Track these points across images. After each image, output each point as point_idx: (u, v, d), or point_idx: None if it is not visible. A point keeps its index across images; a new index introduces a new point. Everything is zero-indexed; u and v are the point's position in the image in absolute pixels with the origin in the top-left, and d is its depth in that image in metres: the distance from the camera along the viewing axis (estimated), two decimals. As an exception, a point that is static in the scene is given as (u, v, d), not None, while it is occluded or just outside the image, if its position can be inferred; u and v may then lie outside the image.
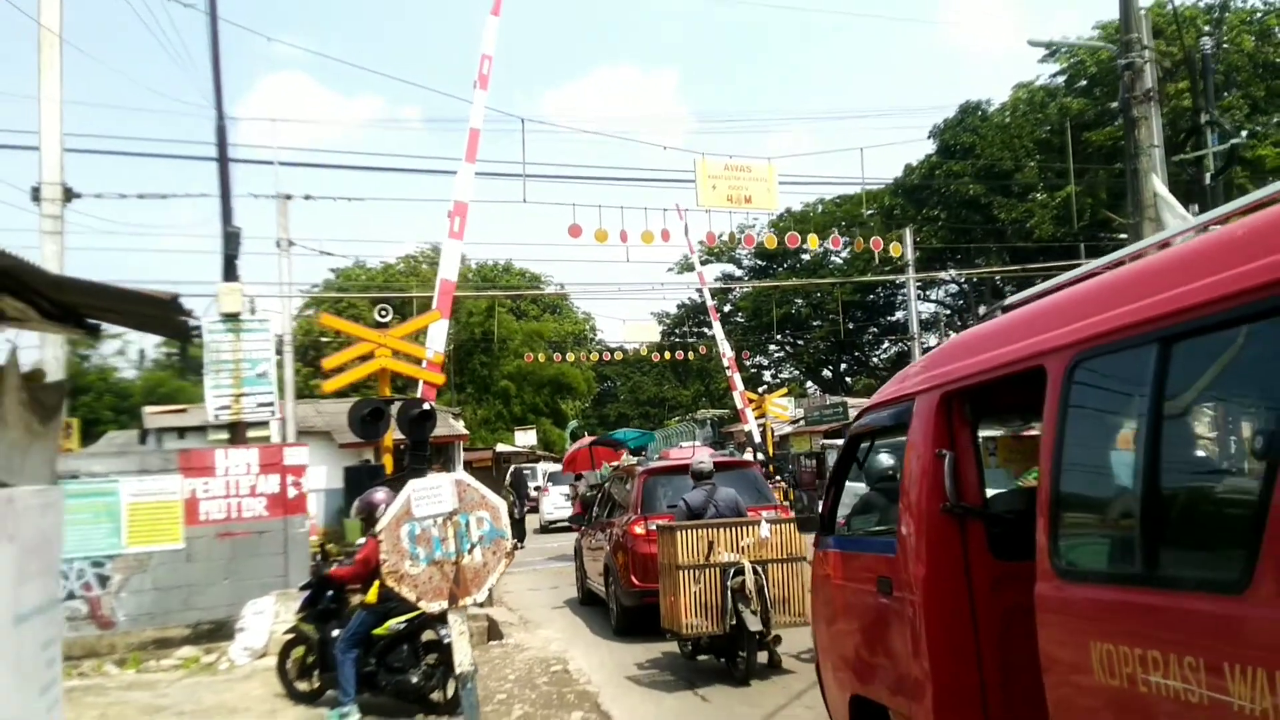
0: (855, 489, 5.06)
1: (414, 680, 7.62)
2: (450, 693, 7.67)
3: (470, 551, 6.55)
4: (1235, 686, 2.20)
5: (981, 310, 43.15)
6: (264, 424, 15.18)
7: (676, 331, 49.49)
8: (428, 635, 7.73)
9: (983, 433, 4.08)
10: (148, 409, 27.77)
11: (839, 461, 4.95)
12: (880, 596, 4.05)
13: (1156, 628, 2.50)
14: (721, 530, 8.52)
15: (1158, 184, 11.87)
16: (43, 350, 10.84)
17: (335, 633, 7.79)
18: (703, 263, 42.62)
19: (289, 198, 17.74)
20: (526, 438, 38.65)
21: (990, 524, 3.74)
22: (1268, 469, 2.22)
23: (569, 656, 9.73)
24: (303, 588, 8.55)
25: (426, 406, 12.80)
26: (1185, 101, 24.15)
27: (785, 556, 8.57)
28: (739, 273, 48.51)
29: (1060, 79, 34.57)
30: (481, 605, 12.72)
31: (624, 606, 10.83)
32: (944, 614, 3.65)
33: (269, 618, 9.99)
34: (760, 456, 21.24)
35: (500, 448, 37.67)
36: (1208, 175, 15.72)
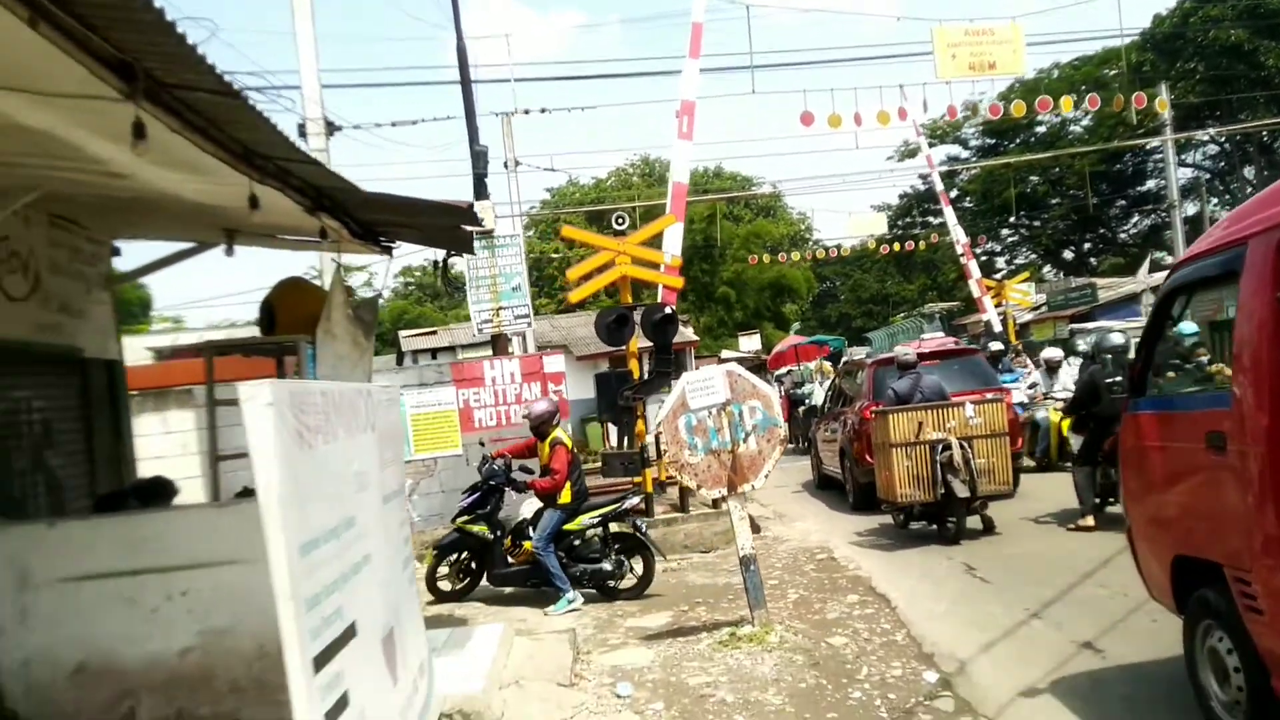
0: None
1: (607, 567, 8.30)
2: (635, 579, 8.43)
3: (745, 440, 6.67)
4: None
5: (1248, 173, 38.56)
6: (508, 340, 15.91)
7: (899, 223, 47.51)
8: (615, 527, 8.37)
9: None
10: (403, 333, 29.97)
11: (1152, 320, 4.64)
12: (1211, 453, 3.81)
13: None
14: (929, 412, 9.57)
15: None
16: (323, 279, 11.86)
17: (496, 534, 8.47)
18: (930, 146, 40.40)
19: (526, 112, 18.22)
20: (751, 342, 38.60)
21: None
22: None
23: (832, 545, 9.81)
24: (467, 491, 8.79)
25: (668, 310, 13.03)
26: None
27: (989, 433, 9.48)
28: (965, 154, 45.70)
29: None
30: (736, 500, 13.04)
31: (860, 484, 11.91)
32: None
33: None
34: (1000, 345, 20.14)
35: (725, 354, 37.91)
36: None
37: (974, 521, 9.60)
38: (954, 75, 15.88)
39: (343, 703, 2.97)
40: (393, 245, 6.78)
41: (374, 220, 5.93)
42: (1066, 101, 19.53)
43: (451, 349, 27.52)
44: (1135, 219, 44.33)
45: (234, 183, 4.19)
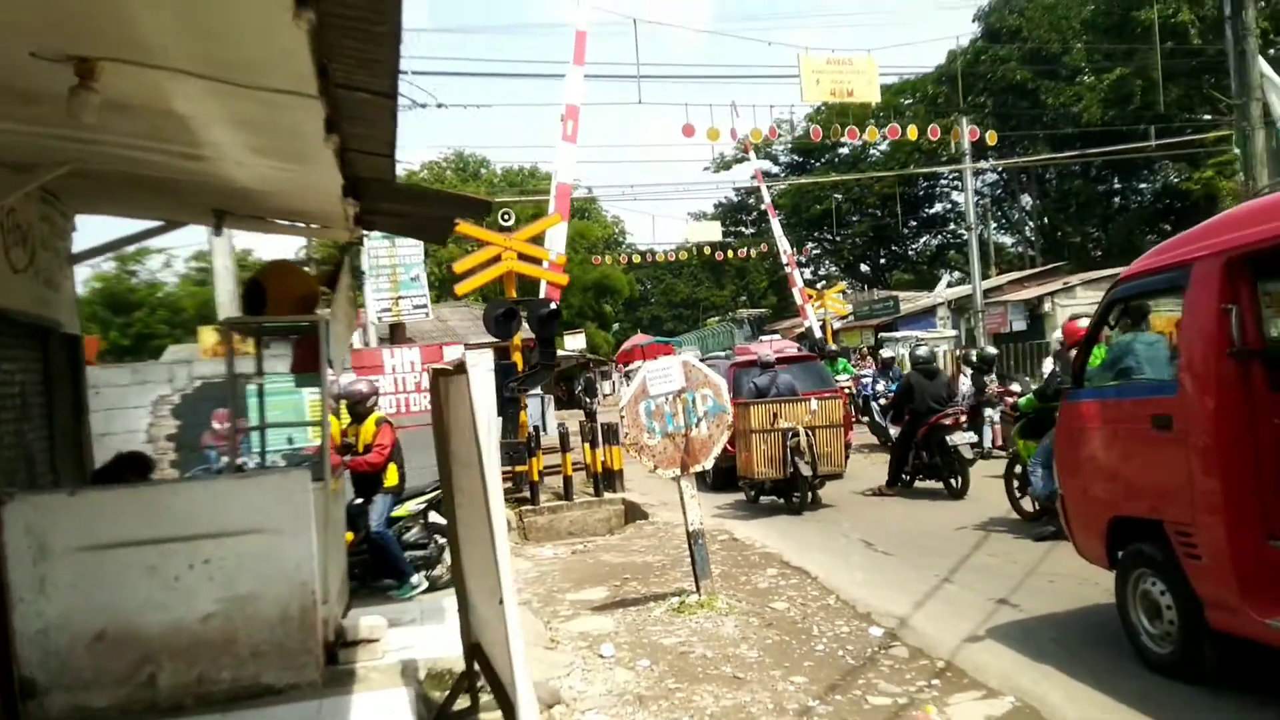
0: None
1: (431, 553, 8.30)
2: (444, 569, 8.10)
3: (697, 425, 7.33)
4: None
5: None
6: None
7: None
8: (433, 517, 8.35)
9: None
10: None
11: (1093, 325, 5.63)
12: (1156, 431, 4.71)
13: None
14: (783, 405, 11.37)
15: (1264, 65, 12.28)
16: (215, 260, 11.55)
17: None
18: (738, 161, 42.60)
19: (424, 106, 18.03)
20: (576, 341, 39.25)
21: (1271, 364, 4.41)
22: None
23: (729, 528, 10.61)
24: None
25: (553, 306, 13.51)
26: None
27: (829, 424, 11.43)
28: (775, 169, 48.42)
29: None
30: (615, 491, 13.67)
31: (718, 468, 12.93)
32: (1232, 440, 4.33)
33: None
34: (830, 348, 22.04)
35: (551, 351, 38.36)
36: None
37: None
38: (818, 99, 17.37)
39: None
40: (367, 232, 6.98)
41: (375, 207, 6.15)
42: (913, 130, 21.61)
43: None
44: (924, 238, 48.54)
45: (320, 171, 4.40)
